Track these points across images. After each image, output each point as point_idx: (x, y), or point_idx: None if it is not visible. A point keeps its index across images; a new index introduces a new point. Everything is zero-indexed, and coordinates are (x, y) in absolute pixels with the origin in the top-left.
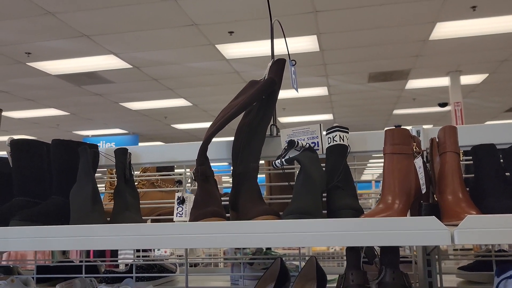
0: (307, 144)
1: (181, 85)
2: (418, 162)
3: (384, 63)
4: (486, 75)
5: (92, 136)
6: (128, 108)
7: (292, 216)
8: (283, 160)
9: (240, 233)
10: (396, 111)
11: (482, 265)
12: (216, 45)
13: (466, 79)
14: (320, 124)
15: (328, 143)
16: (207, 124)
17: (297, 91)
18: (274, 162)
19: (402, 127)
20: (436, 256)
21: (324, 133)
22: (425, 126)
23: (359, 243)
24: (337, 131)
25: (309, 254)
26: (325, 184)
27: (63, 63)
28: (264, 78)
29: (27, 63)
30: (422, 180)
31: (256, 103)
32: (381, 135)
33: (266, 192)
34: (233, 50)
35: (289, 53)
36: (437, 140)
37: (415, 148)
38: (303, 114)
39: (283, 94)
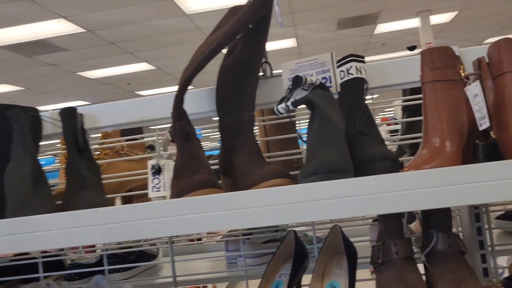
0: (317, 81)
1: (141, 47)
2: (473, 88)
3: (352, 7)
4: (456, 12)
5: (53, 110)
6: (87, 77)
7: (318, 177)
8: (288, 103)
9: (247, 208)
10: (366, 59)
11: None
12: (174, 0)
13: (436, 19)
14: (331, 53)
15: (341, 78)
16: (174, 89)
17: (282, 28)
18: (277, 108)
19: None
20: (484, 209)
21: (336, 66)
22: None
23: (430, 204)
24: (352, 61)
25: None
26: (344, 130)
27: (7, 32)
28: (249, 1)
29: None
30: (481, 112)
31: (241, 36)
32: (404, 63)
33: (262, 150)
34: (193, 3)
35: None
36: (486, 60)
37: (463, 72)
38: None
39: None
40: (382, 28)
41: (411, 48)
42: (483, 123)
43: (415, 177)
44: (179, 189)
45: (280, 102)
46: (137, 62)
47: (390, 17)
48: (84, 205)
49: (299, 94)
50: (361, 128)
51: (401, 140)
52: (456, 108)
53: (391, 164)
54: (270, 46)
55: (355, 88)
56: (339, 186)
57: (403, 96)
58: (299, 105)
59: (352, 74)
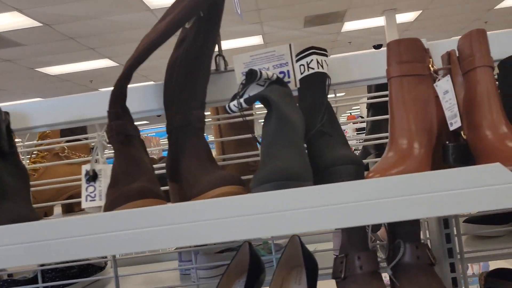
0: (274, 75)
1: (103, 43)
2: (444, 84)
3: (319, 5)
4: (420, 11)
5: None
6: (46, 74)
7: (272, 186)
8: (241, 101)
9: (189, 223)
10: (332, 57)
11: (492, 217)
12: None
13: (401, 18)
14: (290, 45)
15: (301, 73)
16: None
17: (242, 19)
18: (228, 106)
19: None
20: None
21: (295, 59)
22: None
23: (400, 216)
24: (313, 54)
25: None
26: (304, 130)
27: None
28: None
29: None
30: (451, 110)
31: (192, 26)
32: (370, 58)
33: (217, 151)
34: None
35: None
36: (456, 54)
37: (432, 67)
38: None
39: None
40: (349, 26)
41: (377, 47)
42: (454, 123)
43: (382, 184)
44: (112, 200)
45: (232, 99)
46: (99, 59)
47: (356, 15)
48: (3, 219)
49: (254, 90)
50: (322, 128)
51: (365, 140)
52: (425, 105)
53: (355, 168)
54: (236, 43)
55: (316, 83)
56: (295, 196)
57: (368, 93)
58: (253, 102)
59: (313, 69)
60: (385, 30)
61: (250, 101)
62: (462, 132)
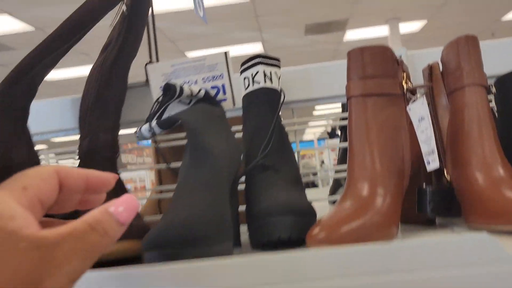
0: (202, 91)
1: (97, 48)
2: (418, 108)
3: (321, 12)
4: (425, 21)
5: None
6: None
7: (158, 255)
8: (153, 124)
9: None
10: (292, 68)
11: None
12: None
13: (405, 28)
14: (225, 53)
15: (246, 88)
16: None
17: (206, 22)
18: (140, 129)
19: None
20: None
21: (232, 70)
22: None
23: None
24: (259, 65)
25: None
26: (238, 165)
27: None
28: None
29: None
30: (428, 144)
31: (115, 26)
32: (341, 69)
33: (156, 180)
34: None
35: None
36: (440, 68)
37: (406, 83)
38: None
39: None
40: (351, 35)
41: None
42: (431, 161)
43: (323, 256)
44: None
45: (146, 121)
46: (92, 64)
47: (359, 24)
48: None
49: (175, 109)
50: (265, 161)
51: (336, 171)
52: (395, 136)
53: (296, 221)
54: (234, 51)
55: (262, 102)
56: (180, 273)
57: (342, 111)
58: (167, 127)
59: (258, 83)
60: (388, 41)
61: (164, 125)
62: (445, 170)
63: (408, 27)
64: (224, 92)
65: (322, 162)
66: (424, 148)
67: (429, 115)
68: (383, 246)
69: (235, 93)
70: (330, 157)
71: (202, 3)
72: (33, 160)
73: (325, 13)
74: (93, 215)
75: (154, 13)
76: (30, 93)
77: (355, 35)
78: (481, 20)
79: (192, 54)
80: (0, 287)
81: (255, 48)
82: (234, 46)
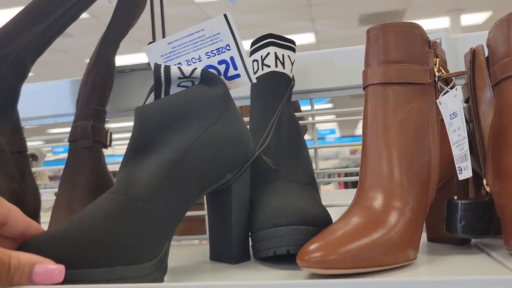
0: (197, 70)
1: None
2: (450, 101)
3: (376, 3)
4: (490, 13)
5: None
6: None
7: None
8: None
9: None
10: (312, 52)
11: None
12: None
13: (468, 19)
14: (225, 15)
15: (254, 72)
16: None
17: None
18: None
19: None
20: None
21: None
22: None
23: None
24: (270, 45)
25: None
26: (231, 160)
27: None
28: None
29: None
30: (461, 147)
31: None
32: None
33: None
34: None
35: None
36: (485, 53)
37: (439, 71)
38: None
39: None
40: None
41: None
42: (464, 169)
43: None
44: None
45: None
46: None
47: (418, 15)
48: None
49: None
50: (262, 154)
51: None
52: (420, 135)
53: (306, 232)
54: None
55: (271, 88)
56: None
57: None
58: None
59: (268, 66)
60: (448, 33)
61: None
62: (484, 180)
63: (471, 18)
64: (235, 67)
65: None
66: (455, 152)
67: (462, 110)
68: (391, 281)
69: (249, 66)
70: None
71: None
72: (22, 147)
73: (381, 3)
74: (19, 257)
75: (206, 2)
76: (19, 74)
77: None
78: None
79: None
80: None
81: (307, 39)
82: (287, 36)
